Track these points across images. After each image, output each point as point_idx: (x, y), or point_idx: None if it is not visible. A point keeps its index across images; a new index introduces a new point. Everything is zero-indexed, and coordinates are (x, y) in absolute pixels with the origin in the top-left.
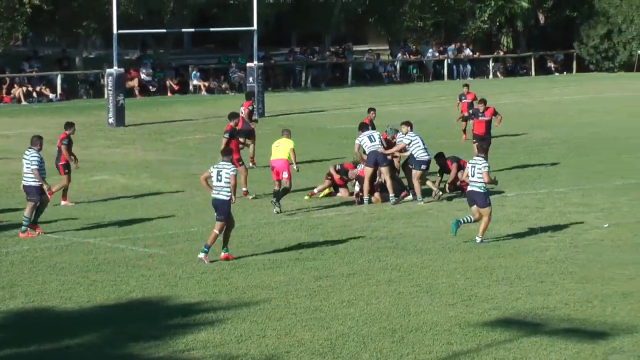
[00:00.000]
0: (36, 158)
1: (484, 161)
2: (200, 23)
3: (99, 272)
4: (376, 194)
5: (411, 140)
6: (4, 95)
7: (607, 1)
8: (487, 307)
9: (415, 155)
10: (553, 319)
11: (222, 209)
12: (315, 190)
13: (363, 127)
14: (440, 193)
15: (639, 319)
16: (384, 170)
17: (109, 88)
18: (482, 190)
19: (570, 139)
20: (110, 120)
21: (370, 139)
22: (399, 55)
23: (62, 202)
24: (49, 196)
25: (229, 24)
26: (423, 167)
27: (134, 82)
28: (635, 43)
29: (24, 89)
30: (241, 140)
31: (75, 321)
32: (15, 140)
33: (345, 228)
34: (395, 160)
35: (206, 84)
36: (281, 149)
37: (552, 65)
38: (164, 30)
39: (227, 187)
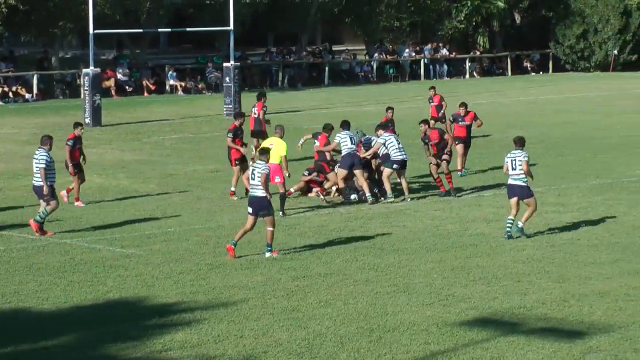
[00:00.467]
0: (44, 157)
1: (523, 152)
2: (176, 23)
3: (75, 273)
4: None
5: (386, 140)
6: None
7: (582, 1)
8: (465, 307)
9: (390, 155)
10: (530, 319)
11: (263, 205)
12: (292, 190)
13: (382, 126)
14: (409, 199)
15: (616, 318)
16: (357, 173)
17: (86, 88)
18: (524, 184)
19: (546, 138)
20: (87, 120)
21: (352, 140)
22: (376, 55)
23: (76, 203)
24: (64, 198)
25: (205, 24)
26: (395, 166)
27: (111, 82)
28: (611, 43)
29: (0, 89)
30: (244, 143)
31: (53, 322)
32: None
33: (322, 228)
34: (373, 161)
35: (183, 84)
36: (274, 152)
37: (529, 65)
38: (141, 30)
39: (260, 184)
